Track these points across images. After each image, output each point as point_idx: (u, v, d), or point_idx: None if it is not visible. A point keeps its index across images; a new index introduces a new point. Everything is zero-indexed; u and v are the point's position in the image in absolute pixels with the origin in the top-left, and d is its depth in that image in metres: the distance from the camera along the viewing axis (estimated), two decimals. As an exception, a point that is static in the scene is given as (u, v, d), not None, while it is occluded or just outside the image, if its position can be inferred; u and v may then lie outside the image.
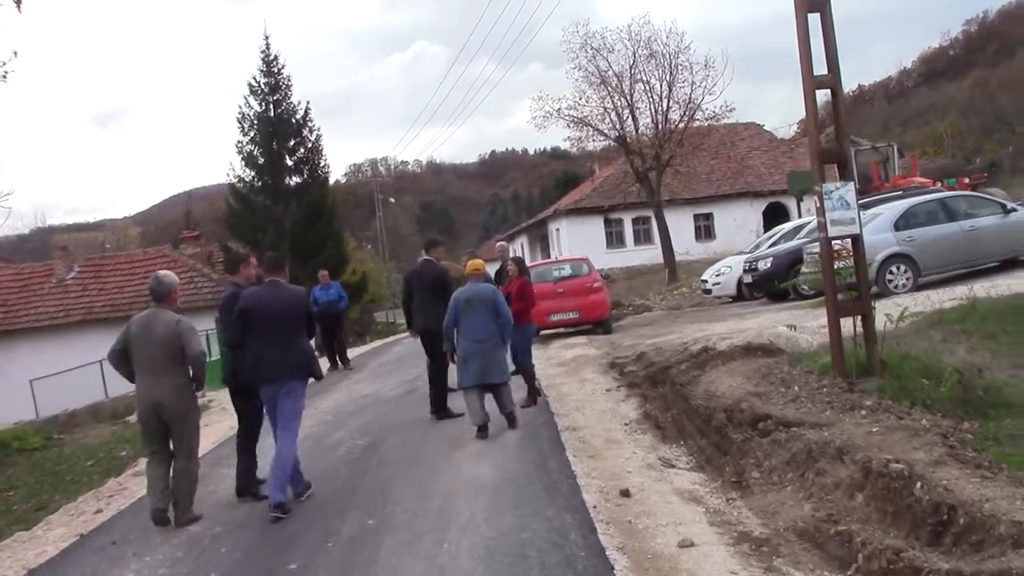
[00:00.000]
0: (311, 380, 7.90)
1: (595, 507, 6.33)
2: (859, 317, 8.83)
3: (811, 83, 8.75)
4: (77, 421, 16.24)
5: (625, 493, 6.65)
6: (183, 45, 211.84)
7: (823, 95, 9.14)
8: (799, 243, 18.26)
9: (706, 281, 22.66)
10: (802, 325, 12.64)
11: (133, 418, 15.81)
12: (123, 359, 7.55)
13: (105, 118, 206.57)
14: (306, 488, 7.79)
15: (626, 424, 9.46)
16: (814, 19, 8.66)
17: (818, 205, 8.78)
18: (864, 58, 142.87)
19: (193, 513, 7.48)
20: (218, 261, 36.06)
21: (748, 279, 19.48)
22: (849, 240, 8.98)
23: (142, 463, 11.02)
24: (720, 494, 6.81)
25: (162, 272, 7.82)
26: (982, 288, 11.84)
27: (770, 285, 18.57)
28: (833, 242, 8.80)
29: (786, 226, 23.06)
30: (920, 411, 7.33)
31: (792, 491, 6.46)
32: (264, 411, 7.97)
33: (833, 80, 8.83)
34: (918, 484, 5.40)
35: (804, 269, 16.25)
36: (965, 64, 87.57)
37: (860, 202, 19.61)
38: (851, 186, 8.77)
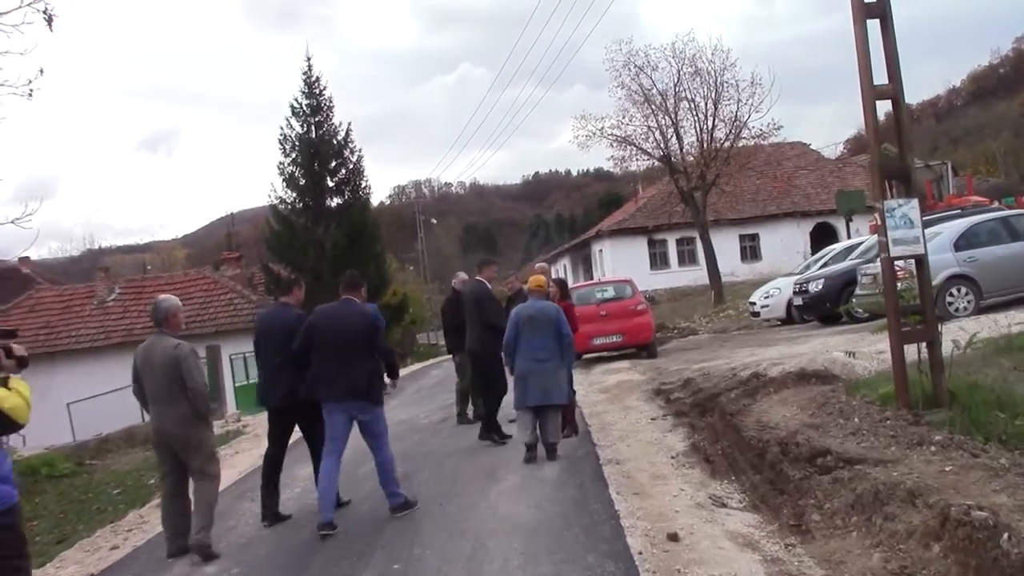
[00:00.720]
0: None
1: (640, 553, 5.78)
2: (924, 344, 8.20)
3: (871, 93, 8.18)
4: (109, 446, 15.89)
5: (673, 537, 6.08)
6: (229, 68, 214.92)
7: (882, 106, 8.54)
8: (852, 264, 17.59)
9: (754, 303, 21.98)
10: (858, 350, 12.02)
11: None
12: (138, 390, 7.32)
13: (154, 142, 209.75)
14: (407, 506, 7.68)
15: (673, 457, 8.89)
16: (873, 25, 8.10)
17: (879, 223, 8.19)
18: (911, 77, 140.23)
19: (209, 541, 7.10)
20: (260, 283, 35.98)
21: (798, 301, 18.79)
22: (912, 261, 8.35)
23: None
24: (777, 539, 6.21)
25: (161, 296, 7.55)
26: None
27: (822, 308, 17.90)
28: (895, 263, 8.19)
29: (837, 246, 22.37)
30: (996, 448, 6.69)
31: (858, 538, 5.85)
32: (308, 434, 8.19)
33: (895, 90, 8.25)
34: (1005, 535, 4.79)
35: (859, 291, 15.64)
36: (1015, 82, 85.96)
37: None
38: (915, 203, 8.15)
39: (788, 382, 10.79)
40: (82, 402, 23.68)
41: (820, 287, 17.81)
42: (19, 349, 4.87)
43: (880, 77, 8.15)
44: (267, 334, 8.17)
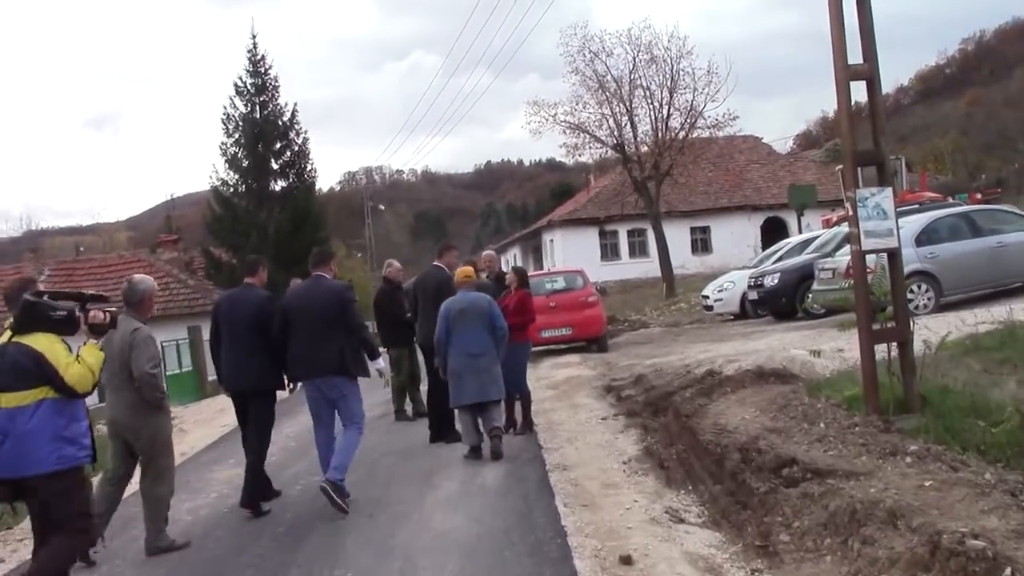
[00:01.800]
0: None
1: (589, 579, 5.11)
2: (893, 344, 7.63)
3: (845, 73, 7.58)
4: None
5: (626, 560, 5.40)
6: (176, 48, 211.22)
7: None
8: (809, 258, 17.12)
9: (707, 297, 21.47)
10: (817, 348, 11.56)
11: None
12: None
13: (99, 121, 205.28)
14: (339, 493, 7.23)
15: (625, 463, 8.25)
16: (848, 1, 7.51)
17: (850, 213, 7.59)
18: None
19: (167, 540, 6.77)
20: (199, 267, 34.86)
21: (753, 296, 18.30)
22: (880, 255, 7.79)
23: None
24: (742, 562, 5.57)
25: (137, 276, 7.14)
26: (1021, 310, 10.67)
27: (777, 303, 17.43)
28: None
29: (792, 240, 21.98)
30: (976, 459, 6.13)
31: (833, 563, 5.21)
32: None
33: (871, 70, 7.65)
34: (1008, 570, 4.19)
35: (816, 286, 15.18)
36: (961, 82, 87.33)
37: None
38: (889, 192, 7.58)
39: (746, 381, 10.22)
40: None
41: (776, 281, 17.31)
42: (96, 316, 5.24)
43: (854, 57, 7.57)
44: (231, 316, 7.84)
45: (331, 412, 7.63)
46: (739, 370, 10.78)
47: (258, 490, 7.66)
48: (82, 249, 47.38)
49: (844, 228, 18.38)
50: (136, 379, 6.57)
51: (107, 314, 5.40)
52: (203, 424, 13.44)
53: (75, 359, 5.03)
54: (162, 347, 21.43)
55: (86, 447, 5.17)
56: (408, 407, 11.64)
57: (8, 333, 5.10)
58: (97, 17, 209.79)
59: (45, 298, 5.21)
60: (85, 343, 5.26)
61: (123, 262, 29.30)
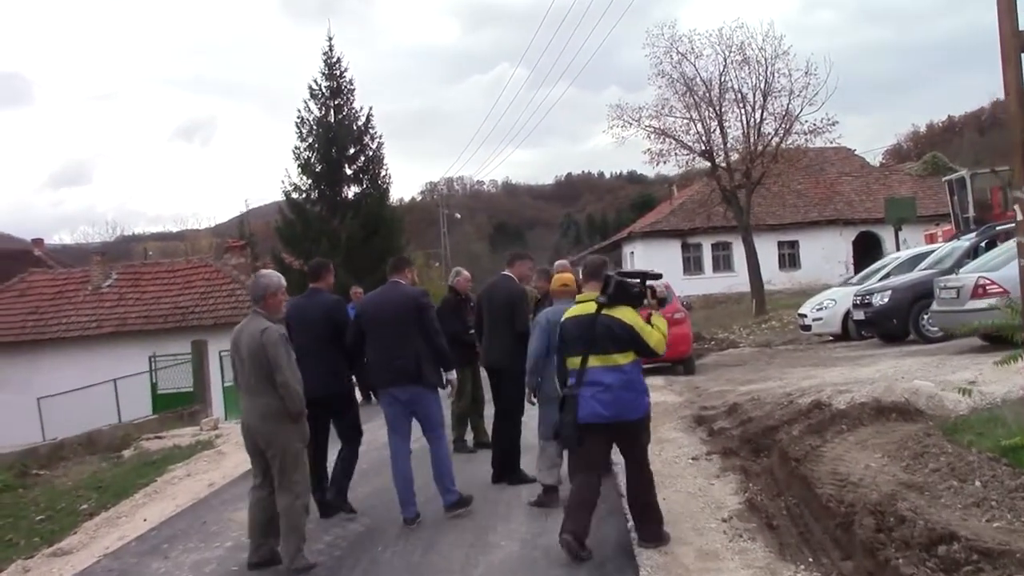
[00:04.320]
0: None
1: None
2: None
3: (1014, 41, 6.03)
4: (64, 453, 13.93)
5: None
6: (266, 61, 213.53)
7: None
8: (924, 275, 15.34)
9: (804, 315, 19.72)
10: (940, 378, 9.86)
11: (128, 452, 13.58)
12: (233, 378, 7.10)
13: (190, 131, 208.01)
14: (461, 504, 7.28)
15: (725, 520, 6.73)
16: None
17: (1020, 218, 6.00)
18: (953, 88, 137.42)
19: (305, 560, 6.16)
20: (271, 273, 34.10)
21: (859, 315, 16.52)
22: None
23: (98, 522, 8.77)
24: None
25: (263, 271, 6.96)
26: None
27: (887, 324, 15.66)
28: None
29: (900, 255, 20.12)
30: None
31: None
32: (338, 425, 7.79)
33: (1047, 38, 6.07)
34: None
35: (936, 307, 13.43)
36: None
37: (977, 232, 16.73)
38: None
39: (864, 417, 8.63)
40: (54, 397, 21.71)
41: (886, 300, 15.51)
42: (661, 291, 6.41)
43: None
44: (300, 322, 7.53)
45: (409, 422, 7.34)
46: (852, 402, 9.17)
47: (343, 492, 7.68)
48: (151, 254, 47.33)
49: (962, 243, 16.63)
50: (279, 384, 6.12)
51: (665, 288, 6.53)
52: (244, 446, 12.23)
53: (651, 327, 6.09)
54: (220, 357, 20.75)
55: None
56: (469, 437, 10.26)
57: (592, 306, 6.11)
58: (189, 27, 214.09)
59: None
60: (651, 314, 6.22)
61: (189, 267, 28.60)
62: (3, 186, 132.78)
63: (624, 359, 6.07)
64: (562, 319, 6.43)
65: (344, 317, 7.77)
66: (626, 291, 6.17)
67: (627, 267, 44.12)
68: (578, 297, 6.53)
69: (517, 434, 8.40)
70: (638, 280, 6.32)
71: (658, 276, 6.55)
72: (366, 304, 7.63)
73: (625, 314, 6.08)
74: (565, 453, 7.53)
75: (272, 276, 6.65)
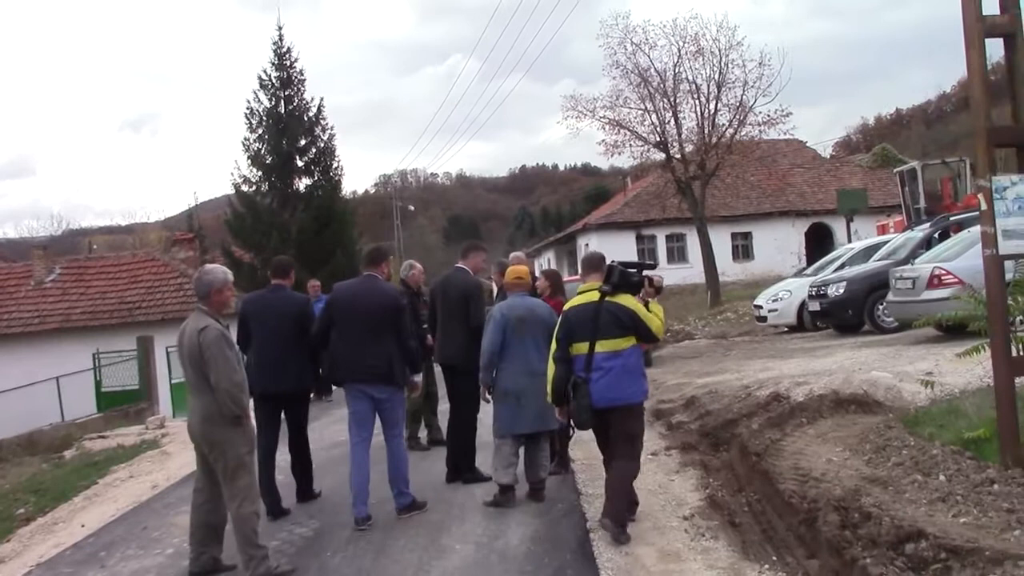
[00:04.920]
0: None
1: None
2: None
3: (978, 27, 5.89)
4: (3, 453, 13.46)
5: None
6: (213, 52, 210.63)
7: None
8: (879, 266, 15.31)
9: (760, 307, 19.64)
10: (897, 369, 9.92)
11: (70, 453, 13.12)
12: None
13: (138, 123, 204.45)
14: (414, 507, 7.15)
15: (686, 518, 6.55)
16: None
17: (983, 207, 5.86)
18: (901, 82, 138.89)
19: (266, 567, 5.77)
20: (221, 268, 33.52)
21: (815, 306, 16.44)
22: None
23: (33, 528, 8.38)
24: None
25: (208, 266, 6.48)
26: None
27: (843, 315, 15.61)
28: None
29: (854, 246, 20.12)
30: None
31: None
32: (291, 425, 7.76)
33: (1013, 23, 5.94)
34: None
35: (892, 297, 13.40)
36: (1007, 89, 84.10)
37: (931, 223, 16.78)
38: (1037, 180, 5.86)
39: (823, 409, 8.58)
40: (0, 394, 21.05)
41: (841, 291, 15.45)
42: (658, 280, 6.69)
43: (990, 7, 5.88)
44: (262, 317, 7.55)
45: (373, 418, 7.14)
46: (811, 395, 9.12)
47: (309, 483, 7.80)
48: (95, 247, 46.32)
49: (916, 234, 16.64)
50: (214, 388, 5.76)
51: (660, 278, 6.75)
52: (192, 446, 11.81)
53: (651, 314, 6.41)
54: (167, 353, 20.25)
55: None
56: (422, 434, 10.01)
57: (595, 295, 6.42)
58: (137, 17, 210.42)
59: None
60: (648, 302, 6.51)
61: (136, 261, 27.93)
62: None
63: (626, 343, 6.37)
64: (565, 308, 6.70)
65: (312, 316, 7.72)
66: (627, 280, 6.47)
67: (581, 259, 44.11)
68: (579, 288, 6.72)
69: (472, 432, 8.16)
70: (635, 270, 6.59)
71: (653, 266, 6.94)
72: (339, 296, 7.37)
73: (628, 301, 6.40)
74: (521, 451, 7.34)
75: (217, 272, 6.22)
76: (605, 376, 6.30)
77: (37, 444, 14.17)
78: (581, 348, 6.40)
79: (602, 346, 6.34)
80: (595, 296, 6.45)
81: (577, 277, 24.16)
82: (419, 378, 7.56)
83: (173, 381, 19.92)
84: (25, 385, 20.67)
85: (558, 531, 6.32)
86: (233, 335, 6.41)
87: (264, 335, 7.47)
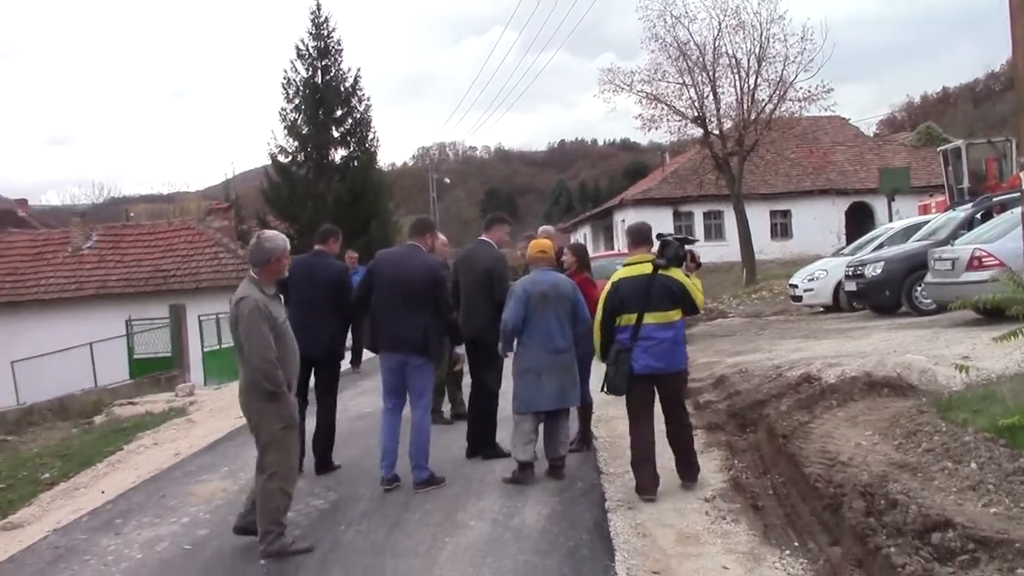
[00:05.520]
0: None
1: None
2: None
3: (1025, -3, 5.62)
4: (34, 418, 13.56)
5: None
6: (253, 21, 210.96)
7: None
8: (919, 246, 14.95)
9: (795, 286, 19.29)
10: (933, 353, 9.56)
11: (100, 419, 13.23)
12: None
13: (183, 93, 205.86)
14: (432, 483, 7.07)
15: (707, 500, 6.41)
16: None
17: (1025, 187, 5.63)
18: (948, 59, 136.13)
19: (280, 543, 5.67)
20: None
21: (851, 287, 16.11)
22: None
23: (55, 493, 8.42)
24: None
25: (267, 232, 6.21)
26: None
27: (880, 296, 15.29)
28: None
29: (893, 226, 19.69)
30: None
31: None
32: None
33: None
34: None
35: (930, 278, 13.09)
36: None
37: (974, 203, 16.39)
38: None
39: (854, 392, 8.34)
40: (32, 360, 21.28)
41: (879, 271, 15.11)
42: (698, 255, 7.15)
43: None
44: (301, 281, 7.57)
45: (403, 390, 7.23)
46: (843, 376, 8.85)
47: (329, 452, 7.79)
48: (132, 215, 46.73)
49: (957, 214, 16.25)
50: (244, 362, 5.72)
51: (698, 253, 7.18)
52: (217, 415, 11.78)
53: (694, 287, 6.75)
54: (200, 321, 20.37)
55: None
56: (446, 408, 9.92)
57: (647, 267, 6.65)
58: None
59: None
60: (689, 275, 6.82)
61: (171, 229, 28.08)
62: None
63: (676, 316, 6.69)
64: (615, 279, 6.80)
65: (349, 284, 7.86)
66: (675, 252, 6.76)
67: (618, 236, 43.84)
68: (628, 260, 6.92)
69: (494, 407, 8.04)
70: (678, 245, 6.90)
71: (694, 241, 7.20)
72: (381, 263, 7.33)
73: (678, 275, 6.71)
74: (540, 428, 7.23)
75: (278, 239, 6.02)
76: (657, 346, 6.56)
77: (68, 409, 14.30)
78: (628, 319, 6.62)
79: (652, 317, 6.57)
80: (647, 269, 6.66)
81: (606, 253, 23.92)
82: (462, 350, 7.55)
83: (205, 349, 20.04)
84: (60, 350, 20.87)
85: (576, 510, 6.21)
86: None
87: (300, 299, 7.48)
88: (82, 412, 14.10)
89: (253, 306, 5.65)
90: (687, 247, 6.90)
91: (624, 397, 6.89)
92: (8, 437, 12.46)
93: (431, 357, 7.17)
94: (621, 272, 6.87)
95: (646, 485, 6.60)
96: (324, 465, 7.75)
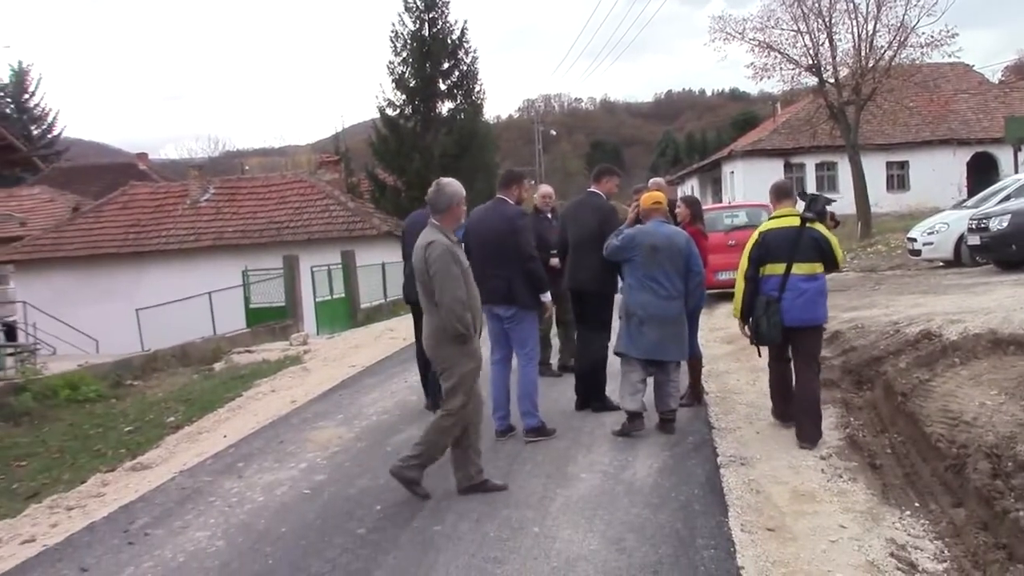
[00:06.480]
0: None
1: None
2: None
3: None
4: (158, 365, 14.08)
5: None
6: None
7: None
8: (1052, 198, 14.28)
9: (914, 239, 18.61)
10: (1064, 309, 9.16)
11: (219, 366, 13.69)
12: None
13: (290, 48, 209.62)
14: (542, 432, 7.15)
15: (823, 458, 6.28)
16: None
17: None
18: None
19: (413, 475, 5.79)
20: (367, 191, 34.19)
21: (975, 240, 15.46)
22: None
23: (180, 436, 8.76)
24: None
25: (445, 179, 6.21)
26: None
27: (1005, 250, 14.65)
28: None
29: (1021, 176, 18.80)
30: None
31: None
32: None
33: None
34: None
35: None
36: None
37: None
38: None
39: (978, 350, 7.98)
40: (155, 308, 22.07)
41: (1005, 224, 14.45)
42: (836, 215, 7.27)
43: None
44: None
45: (506, 336, 7.32)
46: (966, 333, 8.49)
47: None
48: (247, 168, 47.75)
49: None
50: (438, 305, 5.74)
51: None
52: (331, 363, 12.07)
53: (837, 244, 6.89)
54: (312, 272, 20.79)
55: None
56: (554, 360, 9.92)
57: (794, 220, 6.85)
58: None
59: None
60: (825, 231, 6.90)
61: (284, 182, 28.62)
62: (119, 101, 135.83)
63: (820, 268, 6.85)
64: (762, 230, 7.03)
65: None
66: (822, 208, 6.95)
67: (726, 189, 43.02)
68: (775, 212, 7.14)
69: (603, 360, 7.94)
70: (826, 200, 7.09)
71: (832, 201, 7.18)
72: (472, 220, 7.36)
73: (824, 230, 6.87)
74: (650, 382, 7.17)
75: (456, 185, 6.11)
76: (800, 297, 6.71)
77: (189, 356, 14.78)
78: (775, 269, 6.79)
79: (799, 269, 6.74)
80: (794, 221, 6.86)
81: (718, 205, 23.48)
82: (547, 298, 7.35)
83: (317, 299, 20.47)
84: (180, 299, 21.60)
85: (687, 465, 6.14)
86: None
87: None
88: (202, 359, 14.58)
89: (443, 249, 5.74)
90: (828, 207, 7.02)
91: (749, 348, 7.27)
92: (135, 382, 12.95)
93: (524, 306, 7.17)
94: (768, 223, 7.08)
95: (783, 411, 7.13)
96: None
